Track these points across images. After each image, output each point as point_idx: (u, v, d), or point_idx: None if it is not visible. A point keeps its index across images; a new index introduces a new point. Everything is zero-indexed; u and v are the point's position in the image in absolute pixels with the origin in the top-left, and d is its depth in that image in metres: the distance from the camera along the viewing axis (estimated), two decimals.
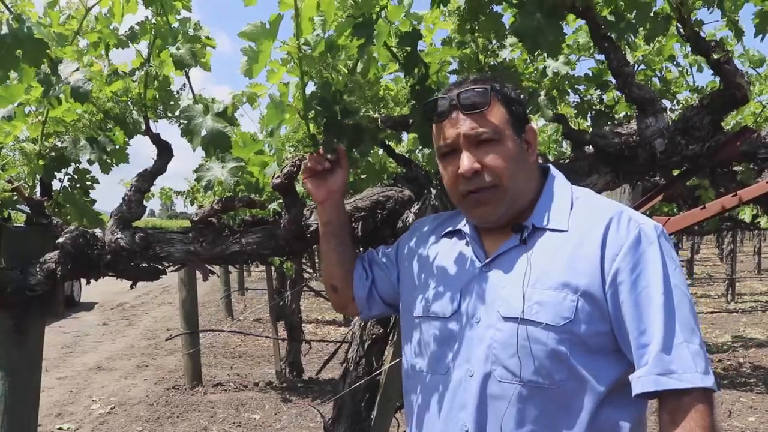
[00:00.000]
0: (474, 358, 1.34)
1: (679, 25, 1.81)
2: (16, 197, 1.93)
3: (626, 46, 2.32)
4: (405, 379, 1.53)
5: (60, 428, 5.63)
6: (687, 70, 2.82)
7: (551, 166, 1.48)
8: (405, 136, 2.64)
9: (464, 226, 1.48)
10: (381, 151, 2.48)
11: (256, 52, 1.40)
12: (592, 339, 1.28)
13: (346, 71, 1.57)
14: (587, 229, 1.32)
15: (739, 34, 1.91)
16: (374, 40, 1.42)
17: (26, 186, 1.93)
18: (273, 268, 7.73)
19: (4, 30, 1.41)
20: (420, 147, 2.67)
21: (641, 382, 1.25)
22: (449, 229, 1.52)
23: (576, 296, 1.28)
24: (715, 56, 1.76)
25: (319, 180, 1.53)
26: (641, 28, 1.77)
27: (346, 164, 1.55)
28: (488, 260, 1.39)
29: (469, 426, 1.33)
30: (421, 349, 1.45)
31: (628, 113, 2.74)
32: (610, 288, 1.28)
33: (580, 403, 1.28)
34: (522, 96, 1.46)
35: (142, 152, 2.10)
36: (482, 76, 1.45)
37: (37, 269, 1.89)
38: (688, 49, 1.98)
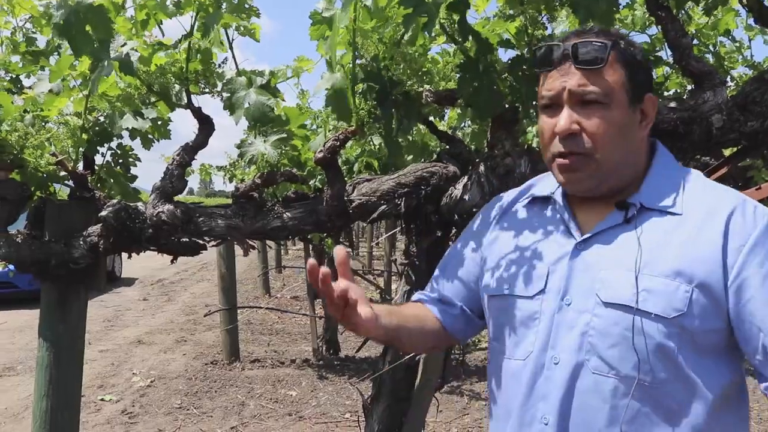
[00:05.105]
0: (562, 345, 1.20)
1: None
2: (60, 171, 1.94)
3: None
4: (488, 361, 1.40)
5: (102, 399, 5.76)
6: (745, 44, 2.69)
7: (658, 141, 1.33)
8: (447, 112, 2.59)
9: (554, 193, 1.32)
10: (423, 128, 2.44)
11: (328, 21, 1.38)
12: (703, 336, 1.14)
13: (392, 43, 1.53)
14: (706, 216, 1.18)
15: None
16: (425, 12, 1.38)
17: (70, 159, 1.94)
18: (311, 246, 7.76)
19: (64, 11, 1.37)
20: (463, 124, 2.62)
21: None
22: (534, 195, 1.36)
23: (690, 287, 1.13)
24: None
25: (348, 319, 1.22)
26: None
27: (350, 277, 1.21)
28: (586, 236, 1.24)
29: (549, 418, 1.20)
30: (499, 331, 1.32)
31: (678, 90, 2.65)
32: (733, 282, 1.13)
33: (681, 407, 1.15)
34: (649, 62, 1.30)
35: (181, 132, 2.10)
36: (609, 30, 1.27)
37: (81, 242, 1.91)
38: (750, 21, 1.87)
